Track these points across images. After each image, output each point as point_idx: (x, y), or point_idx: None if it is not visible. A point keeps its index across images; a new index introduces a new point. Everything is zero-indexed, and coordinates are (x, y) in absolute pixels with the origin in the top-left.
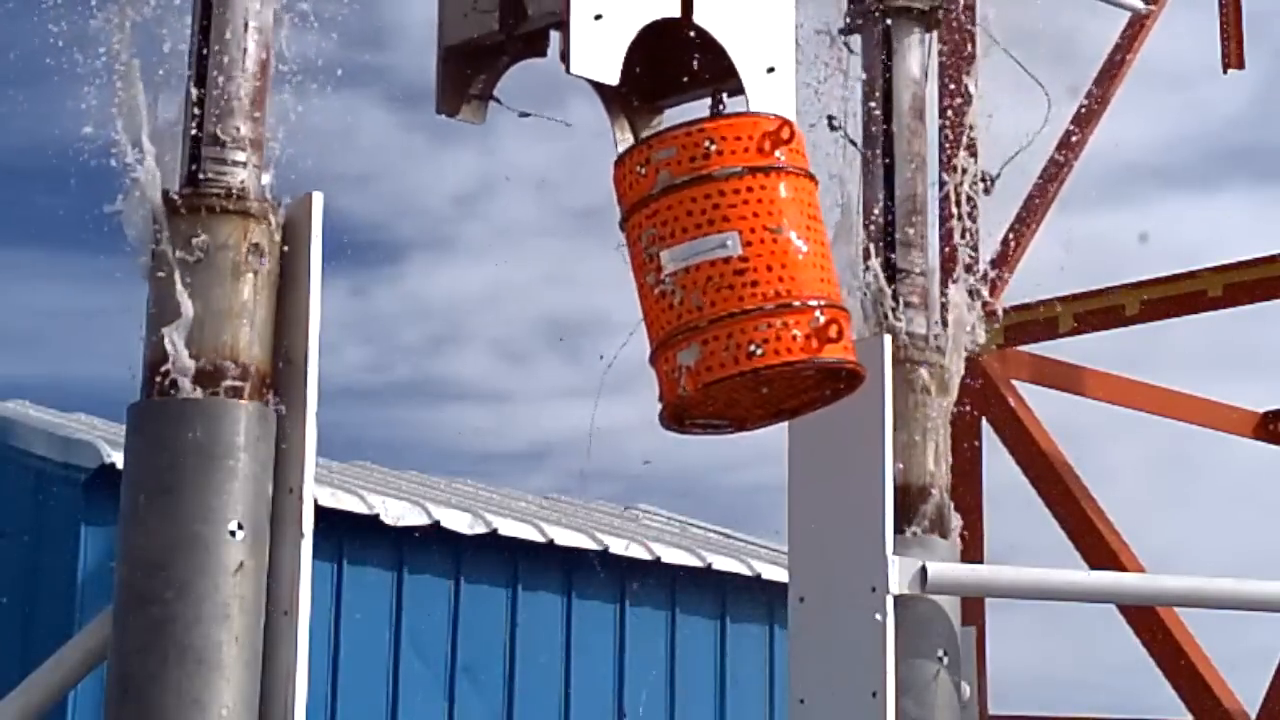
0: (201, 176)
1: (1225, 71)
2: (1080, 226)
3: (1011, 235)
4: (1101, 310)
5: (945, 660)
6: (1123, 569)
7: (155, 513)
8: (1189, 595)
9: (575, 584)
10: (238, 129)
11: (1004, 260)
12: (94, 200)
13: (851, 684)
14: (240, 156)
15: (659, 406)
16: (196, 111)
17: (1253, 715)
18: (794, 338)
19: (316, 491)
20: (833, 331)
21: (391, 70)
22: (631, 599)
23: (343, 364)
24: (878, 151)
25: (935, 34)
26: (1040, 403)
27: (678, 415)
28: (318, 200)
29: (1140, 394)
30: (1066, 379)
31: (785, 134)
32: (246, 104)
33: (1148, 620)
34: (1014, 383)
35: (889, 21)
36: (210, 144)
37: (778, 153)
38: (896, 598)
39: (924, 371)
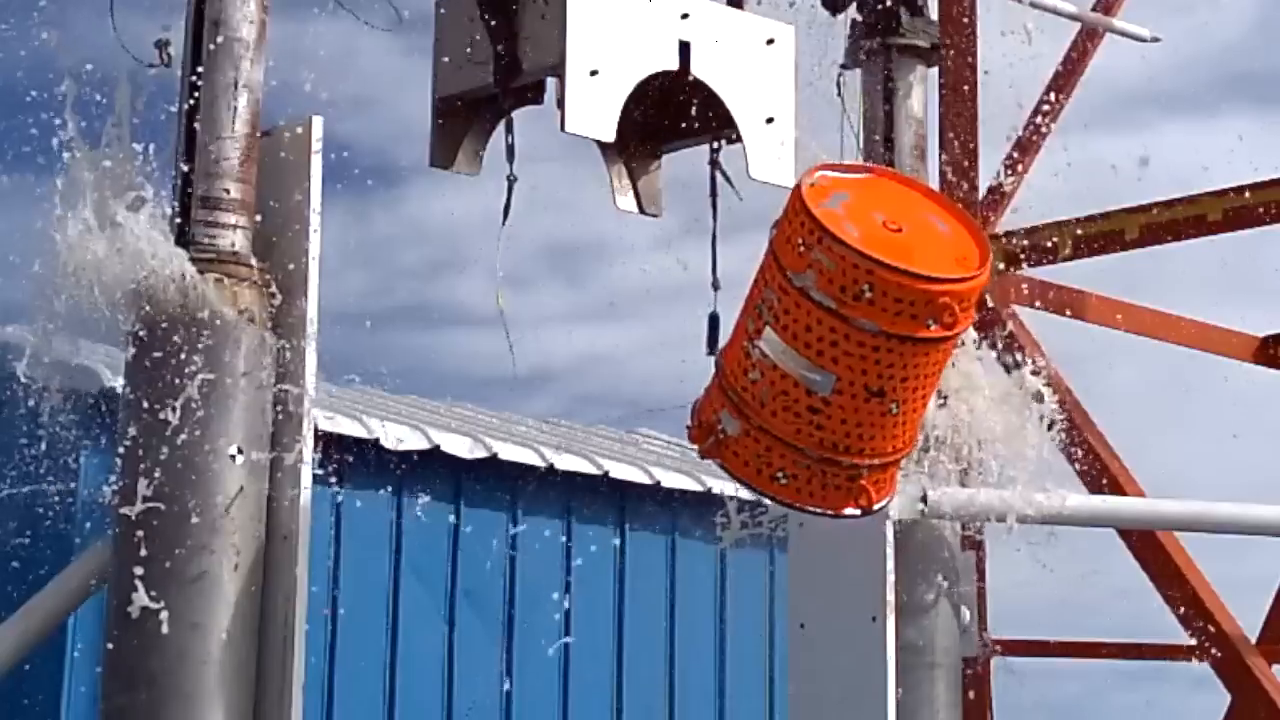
0: (191, 239)
1: None
2: (1080, 151)
3: (1011, 160)
4: (1101, 235)
5: (945, 585)
6: (1124, 494)
7: (155, 438)
8: (1190, 520)
9: (575, 508)
10: (227, 190)
11: (1003, 185)
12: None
13: (851, 608)
14: (230, 219)
15: (694, 423)
16: (185, 171)
17: (1253, 640)
18: (823, 487)
19: (315, 415)
20: (864, 500)
21: None
22: (631, 523)
23: (340, 289)
24: None
25: (936, 69)
26: (1040, 327)
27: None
28: (317, 124)
29: (1141, 318)
30: (1067, 303)
31: (947, 317)
32: (236, 165)
33: (1148, 545)
34: (1014, 307)
35: (891, 58)
36: (200, 206)
37: (930, 322)
38: (896, 522)
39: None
